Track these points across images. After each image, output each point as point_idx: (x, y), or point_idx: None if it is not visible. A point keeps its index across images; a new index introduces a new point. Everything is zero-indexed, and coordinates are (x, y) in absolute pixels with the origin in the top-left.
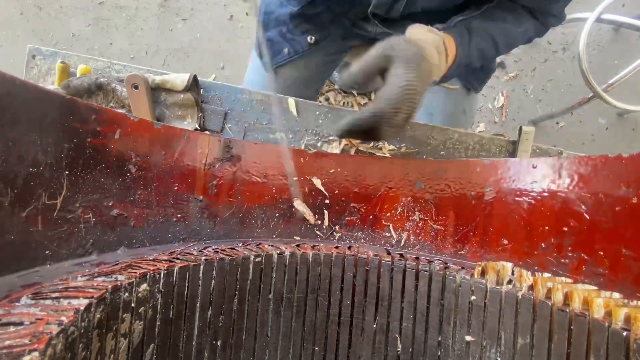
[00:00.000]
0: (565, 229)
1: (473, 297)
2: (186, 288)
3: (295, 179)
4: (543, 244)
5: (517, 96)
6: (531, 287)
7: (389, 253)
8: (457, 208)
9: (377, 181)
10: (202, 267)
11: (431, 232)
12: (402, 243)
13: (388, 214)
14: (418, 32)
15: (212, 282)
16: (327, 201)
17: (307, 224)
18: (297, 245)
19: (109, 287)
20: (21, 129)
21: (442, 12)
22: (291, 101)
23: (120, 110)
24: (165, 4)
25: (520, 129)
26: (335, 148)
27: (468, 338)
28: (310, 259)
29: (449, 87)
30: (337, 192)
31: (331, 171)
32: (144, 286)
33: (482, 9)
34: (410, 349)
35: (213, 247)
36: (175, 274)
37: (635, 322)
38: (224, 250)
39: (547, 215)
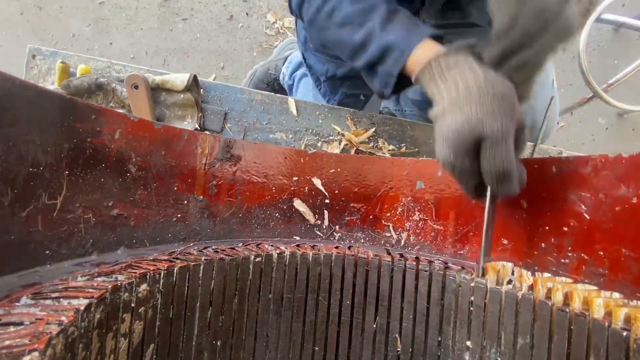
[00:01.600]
0: (565, 229)
1: (473, 297)
2: (186, 288)
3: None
4: (543, 244)
5: None
6: (531, 287)
7: (389, 253)
8: (457, 208)
9: (377, 181)
10: (202, 267)
11: (431, 232)
12: (402, 243)
13: (388, 214)
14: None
15: (212, 282)
16: (327, 201)
17: (307, 224)
18: (297, 245)
19: (109, 287)
20: (21, 129)
21: None
22: (291, 101)
23: (120, 110)
24: (165, 4)
25: None
26: (335, 148)
27: (468, 341)
28: (310, 259)
29: None
30: (337, 192)
31: (331, 171)
32: (144, 286)
33: None
34: (410, 349)
35: (213, 247)
36: (175, 274)
37: (635, 322)
38: (224, 250)
39: (547, 215)
